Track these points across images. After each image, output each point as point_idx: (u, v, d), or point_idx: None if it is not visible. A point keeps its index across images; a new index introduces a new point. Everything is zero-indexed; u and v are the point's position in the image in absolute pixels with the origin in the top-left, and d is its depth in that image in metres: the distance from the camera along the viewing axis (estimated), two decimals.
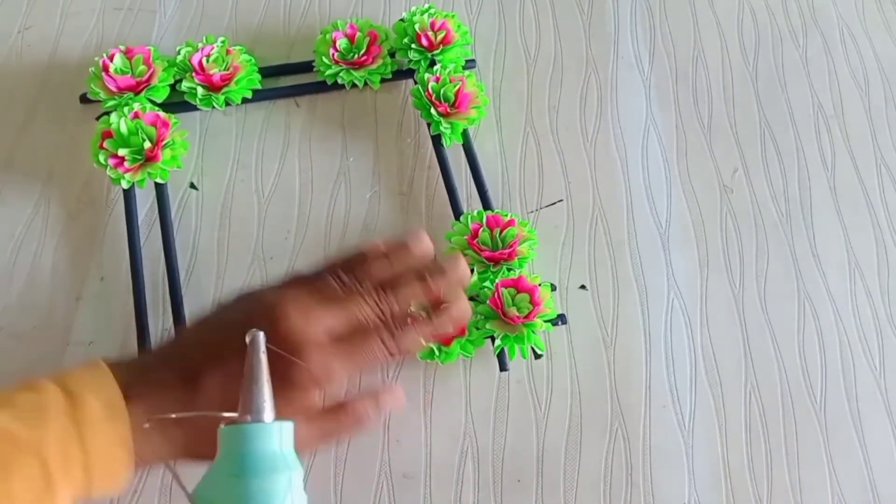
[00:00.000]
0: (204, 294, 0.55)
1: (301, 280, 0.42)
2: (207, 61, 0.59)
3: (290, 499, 0.27)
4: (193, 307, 0.54)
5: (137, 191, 0.57)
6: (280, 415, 0.32)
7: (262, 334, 0.32)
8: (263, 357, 0.31)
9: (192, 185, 0.59)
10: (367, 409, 0.43)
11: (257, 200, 0.59)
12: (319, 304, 0.40)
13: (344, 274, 0.42)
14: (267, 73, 0.63)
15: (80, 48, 0.65)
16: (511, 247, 0.53)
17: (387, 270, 0.43)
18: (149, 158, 0.55)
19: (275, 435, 0.28)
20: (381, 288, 0.42)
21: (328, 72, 0.61)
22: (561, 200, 0.60)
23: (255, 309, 0.39)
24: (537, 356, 0.54)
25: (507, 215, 0.55)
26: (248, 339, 0.32)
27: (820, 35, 0.69)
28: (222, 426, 0.29)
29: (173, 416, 0.33)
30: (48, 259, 0.56)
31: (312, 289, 0.41)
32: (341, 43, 0.61)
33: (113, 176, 0.55)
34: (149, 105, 0.57)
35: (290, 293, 0.40)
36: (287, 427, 0.30)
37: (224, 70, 0.59)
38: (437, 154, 0.59)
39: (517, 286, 0.52)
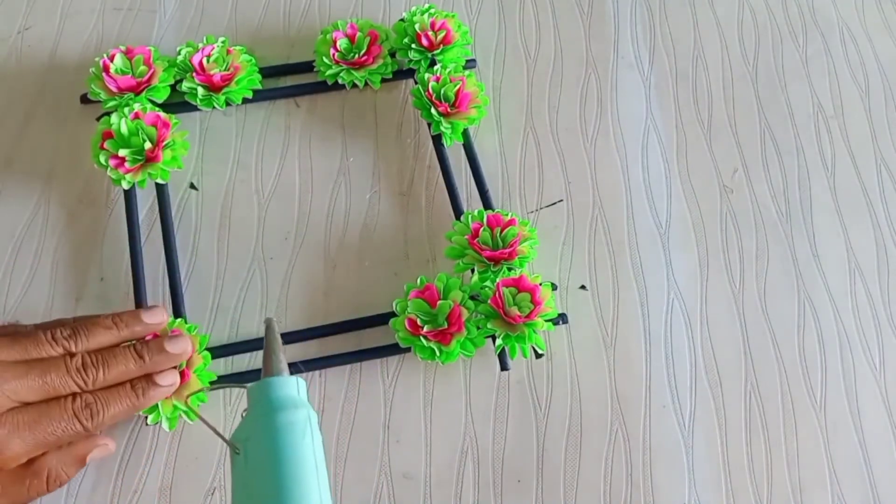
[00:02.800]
0: (204, 294, 0.55)
1: (8, 331, 0.39)
2: (208, 61, 0.59)
3: (308, 431, 0.32)
4: (193, 307, 0.54)
5: (137, 191, 0.57)
6: None
7: (274, 321, 0.39)
8: (278, 335, 0.38)
9: (192, 186, 0.59)
10: (61, 470, 0.39)
11: (257, 200, 0.59)
12: (12, 364, 0.37)
13: (61, 334, 0.39)
14: (267, 73, 0.63)
15: (80, 48, 0.65)
16: (512, 246, 0.53)
17: (109, 339, 0.41)
18: (149, 159, 0.55)
19: (292, 384, 0.34)
20: (94, 356, 0.39)
21: (328, 72, 0.61)
22: (561, 200, 0.60)
23: None
24: (538, 356, 0.54)
25: (507, 215, 0.55)
26: (264, 324, 0.39)
27: (820, 35, 0.69)
28: (249, 385, 0.35)
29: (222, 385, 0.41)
30: (48, 259, 0.56)
31: (14, 343, 0.38)
32: (342, 43, 0.61)
33: (113, 176, 0.55)
34: (149, 105, 0.57)
35: None
36: (302, 381, 0.35)
37: (224, 70, 0.59)
38: (437, 154, 0.60)
39: (518, 286, 0.52)
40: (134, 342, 0.43)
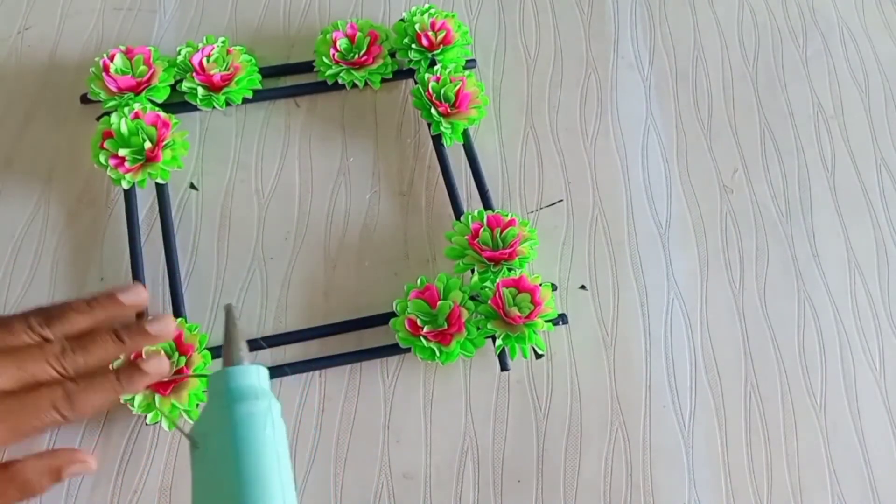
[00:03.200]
0: (204, 294, 0.55)
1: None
2: (208, 61, 0.59)
3: (269, 422, 0.31)
4: (193, 307, 0.54)
5: (137, 191, 0.57)
6: None
7: (233, 307, 0.38)
8: (237, 323, 0.36)
9: (192, 186, 0.59)
10: (35, 481, 0.37)
11: (257, 200, 0.59)
12: None
13: (35, 321, 0.37)
14: (267, 73, 0.63)
15: (80, 48, 0.65)
16: (512, 246, 0.53)
17: (86, 323, 0.39)
18: (149, 159, 0.55)
19: (252, 374, 0.33)
20: (73, 342, 0.37)
21: (328, 72, 0.61)
22: (561, 200, 0.60)
23: None
24: (538, 356, 0.54)
25: (507, 215, 0.55)
26: (224, 312, 0.37)
27: (820, 35, 0.69)
28: (211, 374, 0.34)
29: (190, 374, 0.38)
30: (48, 259, 0.56)
31: None
32: (342, 43, 0.61)
33: (113, 176, 0.55)
34: (149, 105, 0.57)
35: None
36: (263, 370, 0.34)
37: (224, 70, 0.59)
38: (437, 154, 0.60)
39: (518, 286, 0.52)
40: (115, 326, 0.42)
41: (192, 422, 0.35)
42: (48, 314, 0.38)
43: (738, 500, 0.50)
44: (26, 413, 0.35)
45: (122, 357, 0.41)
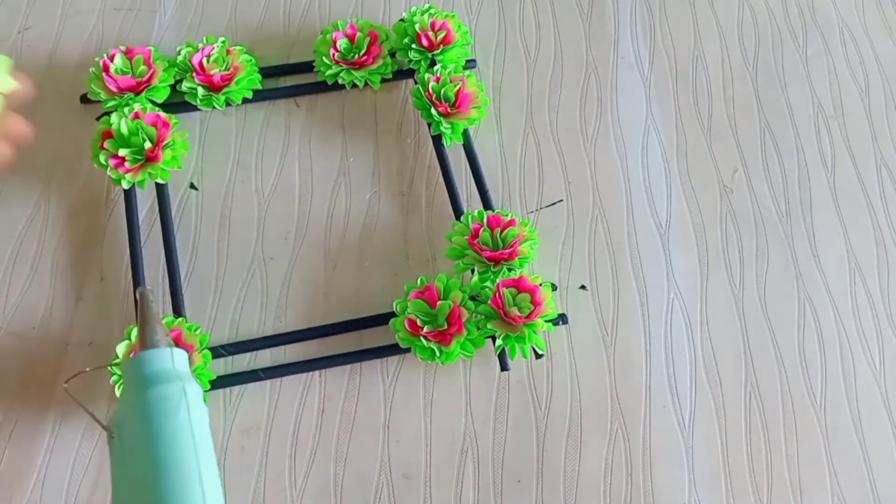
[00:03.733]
0: (204, 294, 0.55)
1: None
2: (208, 61, 0.59)
3: (184, 405, 0.30)
4: (193, 307, 0.54)
5: (137, 191, 0.57)
6: None
7: (149, 290, 0.36)
8: (153, 305, 0.35)
9: (192, 186, 0.59)
10: None
11: (257, 200, 0.59)
12: None
13: None
14: (267, 73, 0.63)
15: (80, 48, 0.65)
16: (512, 247, 0.53)
17: None
18: (149, 159, 0.55)
19: (166, 356, 0.32)
20: None
21: (328, 72, 0.61)
22: (561, 200, 0.60)
23: None
24: (538, 356, 0.54)
25: (507, 215, 0.55)
26: (137, 295, 0.36)
27: (820, 35, 0.69)
28: (124, 361, 0.34)
29: (88, 369, 0.36)
30: (48, 259, 0.56)
31: None
32: (342, 43, 0.61)
33: (113, 176, 0.55)
34: (149, 105, 0.57)
35: None
36: (180, 352, 0.33)
37: (224, 70, 0.59)
38: (437, 154, 0.59)
39: (518, 286, 0.52)
40: None
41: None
42: None
43: (738, 500, 0.50)
44: None
45: None
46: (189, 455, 0.29)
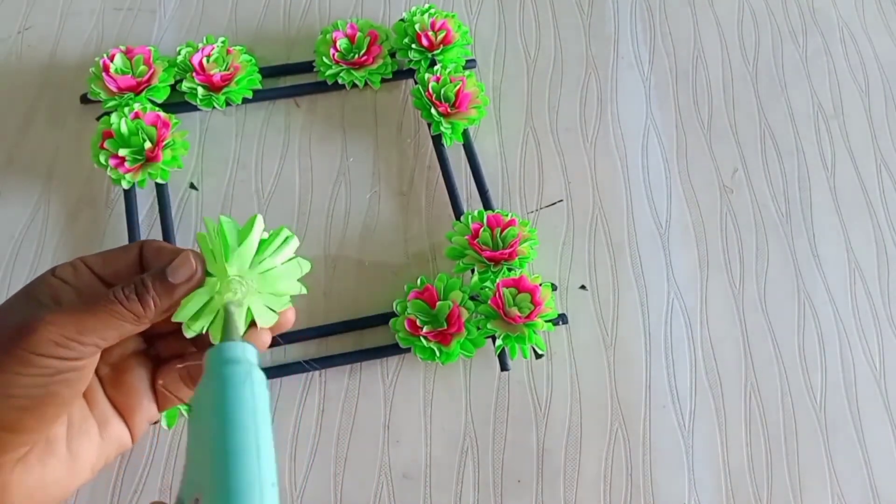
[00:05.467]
0: None
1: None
2: (208, 61, 0.59)
3: (249, 381, 0.33)
4: None
5: (137, 191, 0.57)
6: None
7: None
8: (234, 309, 0.37)
9: (192, 186, 0.59)
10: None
11: (257, 200, 0.59)
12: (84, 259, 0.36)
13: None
14: (267, 73, 0.63)
15: (80, 48, 0.65)
16: (512, 247, 0.53)
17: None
18: (149, 159, 0.55)
19: (240, 347, 0.34)
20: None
21: (328, 72, 0.61)
22: (561, 200, 0.60)
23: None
24: (538, 356, 0.54)
25: (507, 215, 0.55)
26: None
27: (820, 35, 0.69)
28: (207, 351, 0.35)
29: (179, 366, 0.38)
30: (48, 259, 0.56)
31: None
32: (342, 43, 0.61)
33: (113, 176, 0.55)
34: (149, 105, 0.57)
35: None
36: (250, 347, 0.35)
37: (224, 70, 0.59)
38: (437, 154, 0.59)
39: (518, 286, 0.52)
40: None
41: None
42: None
43: (738, 501, 0.50)
44: (109, 309, 0.34)
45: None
46: (248, 430, 0.32)
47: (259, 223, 0.35)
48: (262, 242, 0.36)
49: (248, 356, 0.35)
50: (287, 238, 0.37)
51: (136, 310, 0.35)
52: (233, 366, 0.34)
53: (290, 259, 0.37)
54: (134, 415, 0.38)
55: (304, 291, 0.37)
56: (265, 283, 0.36)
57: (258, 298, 0.37)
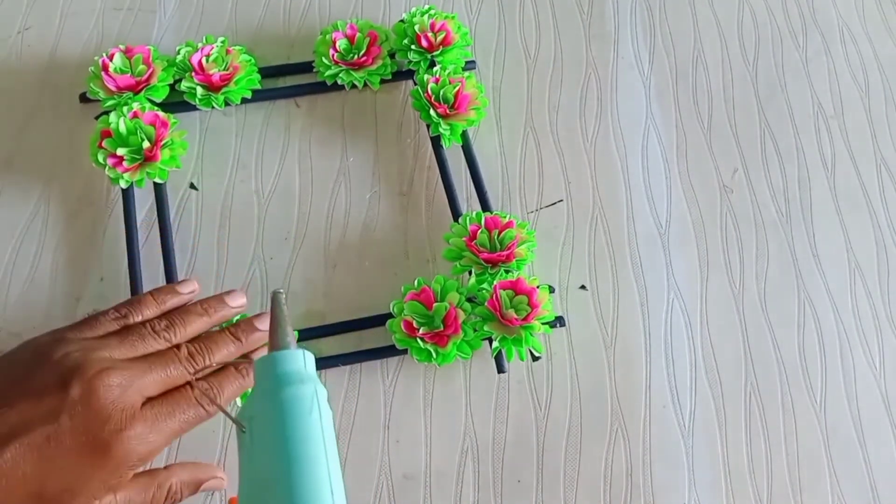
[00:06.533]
0: (204, 294, 0.55)
1: (106, 328, 0.39)
2: (207, 61, 0.59)
3: (315, 406, 0.32)
4: None
5: (137, 191, 0.57)
6: (85, 492, 0.35)
7: (281, 292, 0.38)
8: (285, 308, 0.37)
9: (192, 186, 0.59)
10: (179, 489, 0.39)
11: (257, 200, 0.59)
12: (137, 365, 0.37)
13: (160, 327, 0.40)
14: (267, 73, 0.63)
15: (79, 48, 0.65)
16: (509, 248, 0.53)
17: (201, 326, 0.42)
18: (147, 158, 0.55)
19: (299, 358, 0.33)
20: (198, 345, 0.40)
21: (328, 72, 0.61)
22: (561, 200, 0.60)
23: (55, 365, 0.36)
24: (535, 359, 0.54)
25: (505, 217, 0.55)
26: (270, 297, 0.38)
27: (820, 35, 0.69)
28: (256, 358, 0.35)
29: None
30: (48, 259, 0.56)
31: (123, 341, 0.38)
32: (341, 44, 0.61)
33: (112, 175, 0.55)
34: (148, 105, 0.57)
35: (102, 352, 0.37)
36: (309, 354, 0.35)
37: (224, 70, 0.59)
38: (436, 155, 0.59)
39: (515, 288, 0.52)
40: (228, 326, 0.45)
41: (238, 406, 0.37)
42: (169, 319, 0.41)
43: (738, 500, 0.50)
44: (179, 413, 0.37)
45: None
46: (319, 453, 0.31)
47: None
48: None
49: (310, 369, 0.34)
50: None
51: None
52: (296, 387, 0.32)
53: None
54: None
55: None
56: None
57: None
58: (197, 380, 0.38)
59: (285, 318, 0.37)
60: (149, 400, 0.37)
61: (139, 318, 0.41)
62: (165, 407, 0.37)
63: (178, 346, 0.40)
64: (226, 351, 0.42)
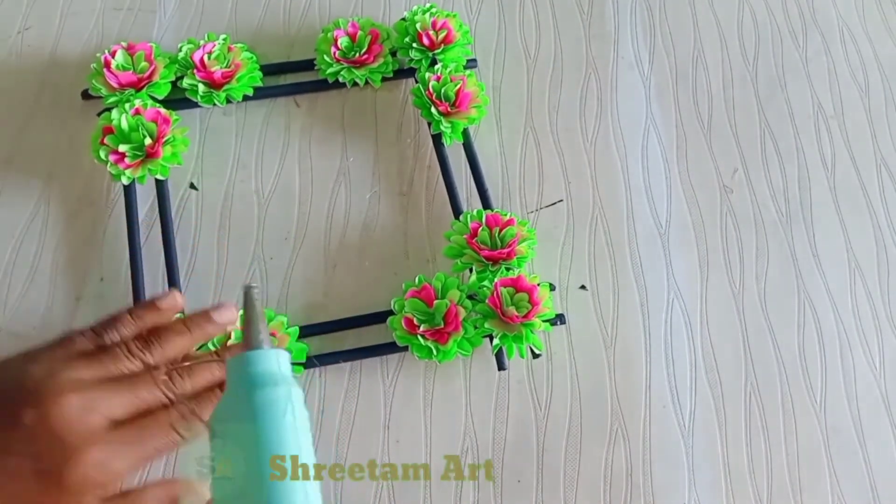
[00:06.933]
0: (203, 294, 0.55)
1: (79, 348, 0.37)
2: (209, 58, 0.59)
3: (290, 408, 0.31)
4: (193, 307, 0.54)
5: (138, 191, 0.57)
6: None
7: (254, 287, 0.36)
8: (258, 304, 0.35)
9: (192, 186, 0.59)
10: None
11: (257, 200, 0.59)
12: (102, 387, 0.35)
13: (135, 347, 0.37)
14: (268, 71, 0.63)
15: (79, 48, 0.65)
16: (510, 246, 0.53)
17: (184, 344, 0.39)
18: (149, 155, 0.55)
19: (272, 358, 0.32)
20: (179, 368, 0.38)
21: (329, 70, 0.61)
22: (561, 200, 0.60)
23: (14, 389, 0.34)
24: (535, 356, 0.54)
25: (506, 215, 0.55)
26: (242, 291, 0.36)
27: (820, 35, 0.69)
28: (228, 358, 0.33)
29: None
30: (48, 259, 0.56)
31: (92, 361, 0.36)
32: (343, 41, 0.61)
33: (113, 172, 0.55)
34: (150, 101, 0.57)
35: (65, 374, 0.34)
36: (283, 354, 0.33)
37: (225, 67, 0.59)
38: (437, 153, 0.59)
39: (516, 286, 0.52)
40: (214, 348, 0.42)
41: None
42: (146, 339, 0.38)
43: (738, 500, 0.50)
44: (148, 439, 0.35)
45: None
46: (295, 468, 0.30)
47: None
48: None
49: (284, 369, 0.32)
50: None
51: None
52: (270, 389, 0.31)
53: None
54: None
55: None
56: None
57: None
58: (176, 403, 0.36)
59: (258, 316, 0.35)
60: (117, 424, 0.35)
61: (115, 338, 0.38)
62: (134, 431, 0.34)
63: (155, 368, 0.37)
64: (209, 375, 0.39)
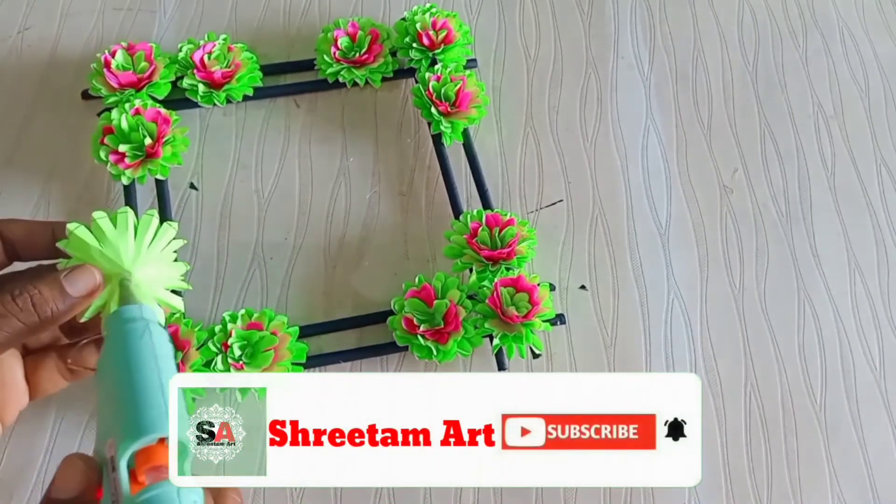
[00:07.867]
0: (203, 294, 0.55)
1: None
2: (209, 58, 0.59)
3: (147, 333, 0.35)
4: (193, 307, 0.54)
5: (138, 191, 0.57)
6: None
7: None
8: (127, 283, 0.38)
9: (192, 186, 0.59)
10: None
11: (257, 200, 0.59)
12: None
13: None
14: (268, 70, 0.63)
15: (80, 48, 0.65)
16: (510, 246, 0.53)
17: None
18: (149, 155, 0.55)
19: (136, 308, 0.36)
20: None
21: (329, 70, 0.61)
22: (561, 200, 0.60)
23: None
24: (535, 356, 0.53)
25: (506, 215, 0.55)
26: None
27: (820, 35, 0.69)
28: (107, 317, 0.37)
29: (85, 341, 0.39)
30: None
31: None
32: (343, 41, 0.61)
33: (113, 172, 0.55)
34: (150, 101, 0.57)
35: None
36: (147, 307, 0.37)
37: (225, 67, 0.59)
38: (437, 153, 0.59)
39: (516, 286, 0.52)
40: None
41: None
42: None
43: (737, 500, 0.50)
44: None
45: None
46: (151, 371, 0.33)
47: (130, 218, 0.38)
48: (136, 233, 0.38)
49: (146, 314, 0.37)
50: (159, 228, 0.39)
51: (30, 321, 0.35)
52: (131, 323, 0.35)
53: (167, 245, 0.39)
54: (7, 406, 0.39)
55: (187, 268, 0.41)
56: (155, 268, 0.39)
57: (156, 284, 0.39)
58: (5, 284, 0.36)
59: (128, 286, 0.38)
60: None
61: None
62: None
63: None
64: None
